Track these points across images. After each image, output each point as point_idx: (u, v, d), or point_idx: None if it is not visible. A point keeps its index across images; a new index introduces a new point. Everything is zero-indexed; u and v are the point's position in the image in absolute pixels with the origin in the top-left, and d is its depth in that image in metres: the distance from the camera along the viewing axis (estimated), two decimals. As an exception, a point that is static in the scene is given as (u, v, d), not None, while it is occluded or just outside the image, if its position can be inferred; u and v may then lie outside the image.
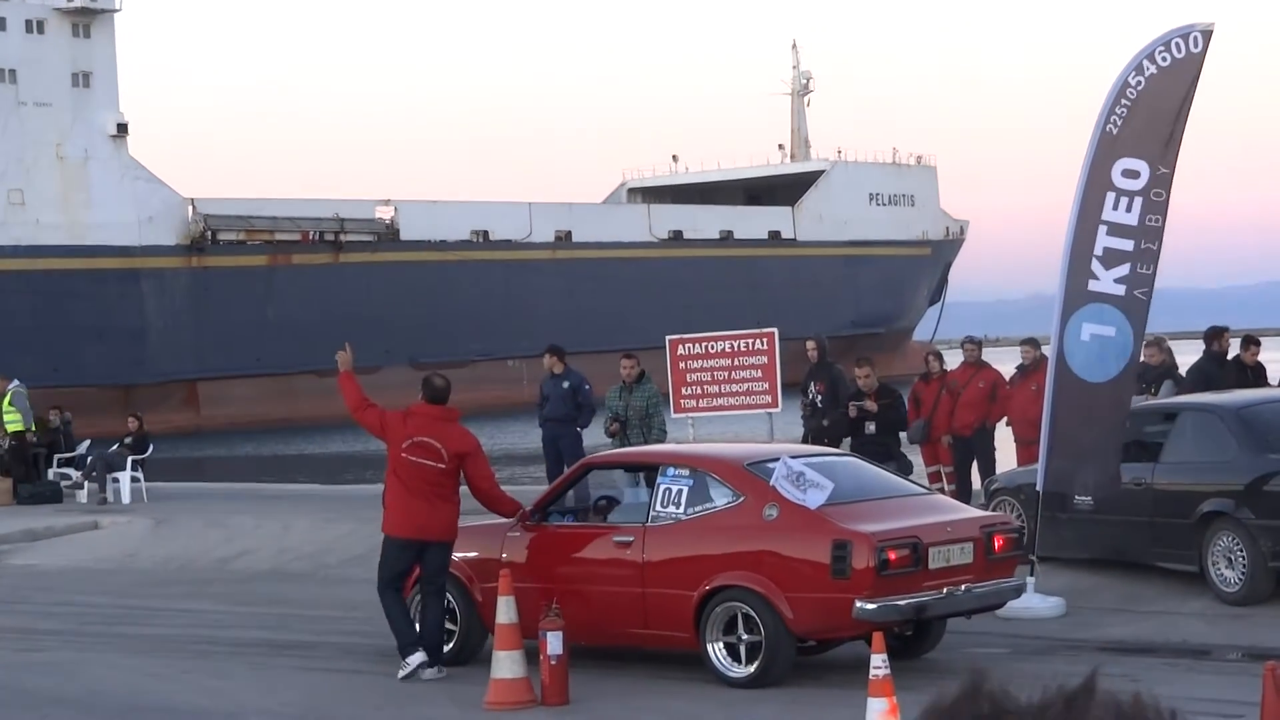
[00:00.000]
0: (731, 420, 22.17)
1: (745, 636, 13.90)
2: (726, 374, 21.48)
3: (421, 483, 14.74)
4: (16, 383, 33.22)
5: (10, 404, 32.80)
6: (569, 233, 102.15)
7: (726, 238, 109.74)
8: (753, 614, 13.83)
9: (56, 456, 34.36)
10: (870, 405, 20.54)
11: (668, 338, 22.61)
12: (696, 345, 21.94)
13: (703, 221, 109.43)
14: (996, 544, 14.42)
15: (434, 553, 14.84)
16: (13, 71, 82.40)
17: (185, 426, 78.55)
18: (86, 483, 32.59)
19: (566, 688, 13.49)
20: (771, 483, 13.97)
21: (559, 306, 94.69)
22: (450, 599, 15.34)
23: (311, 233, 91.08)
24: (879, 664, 11.44)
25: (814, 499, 13.83)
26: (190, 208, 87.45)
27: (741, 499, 14.20)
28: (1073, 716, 1.51)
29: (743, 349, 21.52)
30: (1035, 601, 17.09)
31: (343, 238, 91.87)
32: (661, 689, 14.18)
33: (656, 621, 14.37)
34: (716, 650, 13.98)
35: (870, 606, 13.43)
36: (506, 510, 15.38)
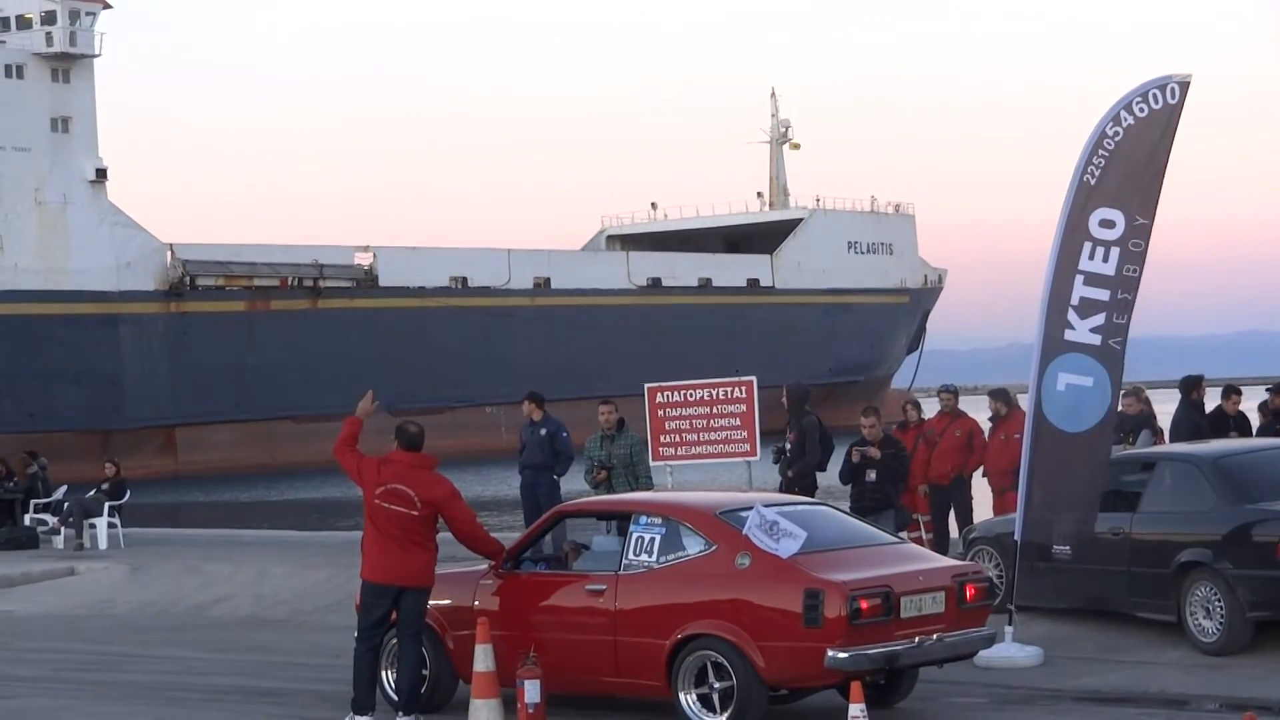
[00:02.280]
0: (710, 468, 22.13)
1: (717, 685, 13.85)
2: (705, 422, 21.47)
3: (396, 529, 14.69)
4: None
5: None
6: (548, 279, 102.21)
7: (705, 285, 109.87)
8: (724, 662, 13.81)
9: (33, 502, 34.23)
10: (874, 453, 20.53)
11: (646, 386, 22.60)
12: (675, 393, 21.94)
13: (681, 269, 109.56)
14: (968, 593, 14.45)
15: (410, 599, 14.78)
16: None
17: (163, 472, 78.36)
18: (63, 528, 32.47)
19: (548, 735, 13.45)
20: (745, 531, 13.99)
21: (538, 353, 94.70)
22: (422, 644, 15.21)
23: (290, 278, 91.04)
24: (857, 713, 11.45)
25: (787, 548, 13.82)
26: (169, 253, 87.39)
27: (714, 547, 14.20)
28: None
29: (721, 397, 21.52)
30: (1013, 651, 17.08)
31: (321, 283, 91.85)
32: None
33: (629, 670, 14.34)
34: (689, 700, 13.94)
35: (842, 655, 13.48)
36: (491, 550, 15.30)
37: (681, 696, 13.98)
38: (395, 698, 14.86)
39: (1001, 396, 23.02)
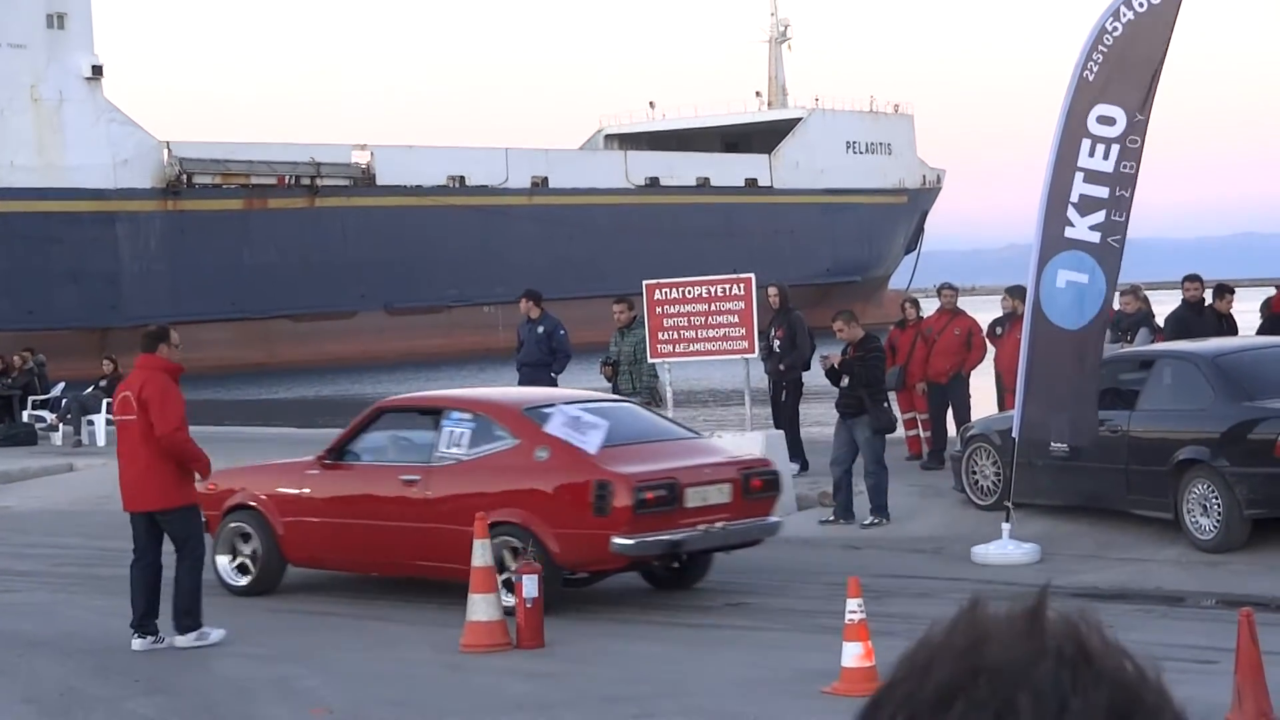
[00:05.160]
0: (708, 365, 22.13)
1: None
2: (704, 319, 21.41)
3: (122, 443, 14.44)
4: None
5: None
6: (545, 178, 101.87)
7: (703, 185, 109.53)
8: (528, 548, 14.65)
9: (31, 399, 34.27)
10: (831, 360, 20.42)
11: (644, 282, 22.54)
12: (674, 290, 21.86)
13: (680, 168, 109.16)
14: (754, 484, 15.54)
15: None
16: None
17: (160, 370, 78.18)
18: (61, 425, 32.53)
19: (542, 630, 13.50)
20: (553, 431, 14.99)
21: (535, 252, 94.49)
22: (251, 530, 16.52)
23: (287, 177, 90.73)
24: (854, 608, 11.48)
25: (594, 440, 14.76)
26: (166, 151, 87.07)
27: (517, 442, 15.19)
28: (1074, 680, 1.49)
29: (720, 294, 21.45)
30: (1010, 548, 17.15)
31: (319, 182, 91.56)
32: (633, 633, 14.23)
33: (439, 554, 15.19)
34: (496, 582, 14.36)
35: (628, 542, 14.58)
36: (198, 464, 14.57)
37: None
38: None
39: (1019, 294, 23.00)
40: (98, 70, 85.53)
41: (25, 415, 33.79)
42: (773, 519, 16.01)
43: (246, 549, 16.67)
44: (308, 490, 16.35)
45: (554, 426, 15.02)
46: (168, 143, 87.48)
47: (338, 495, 16.14)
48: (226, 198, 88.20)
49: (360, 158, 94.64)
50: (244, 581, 16.58)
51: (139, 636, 13.96)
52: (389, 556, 15.79)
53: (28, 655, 13.98)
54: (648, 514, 14.69)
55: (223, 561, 16.66)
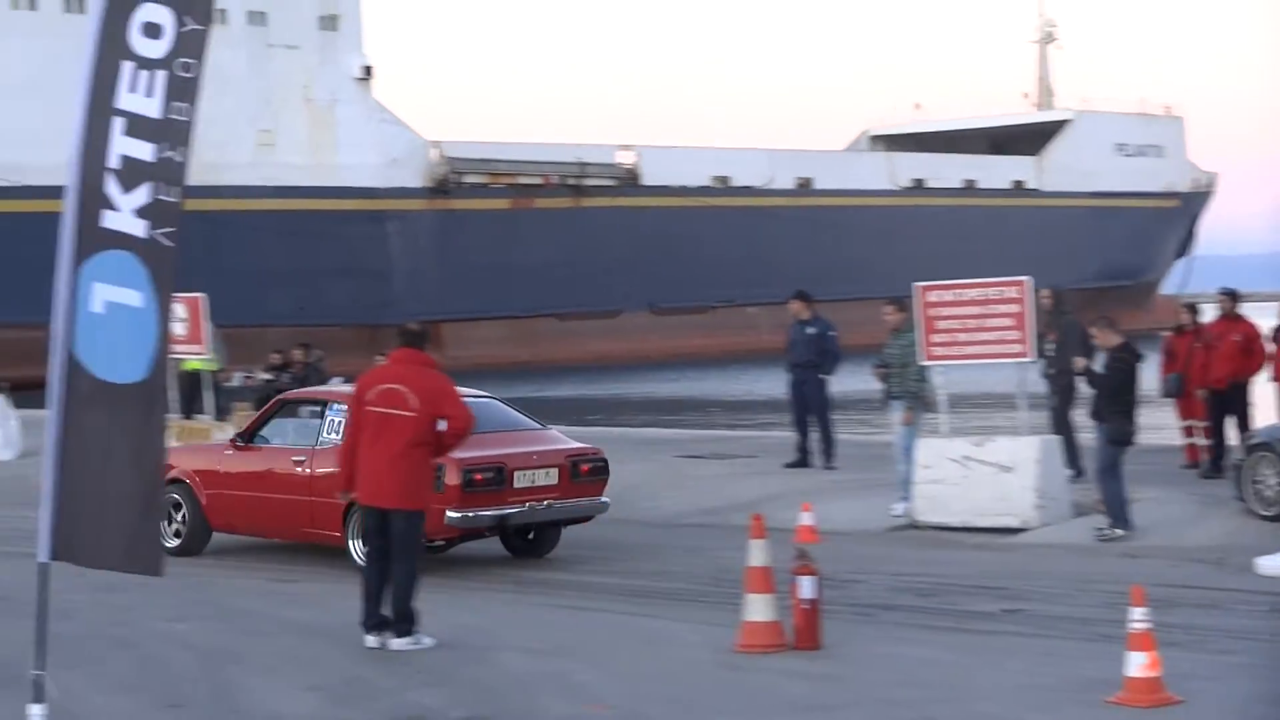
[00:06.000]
0: (982, 369, 21.85)
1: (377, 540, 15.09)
2: (978, 322, 21.15)
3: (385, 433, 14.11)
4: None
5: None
6: (810, 180, 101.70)
7: (969, 187, 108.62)
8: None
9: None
10: (1079, 364, 20.28)
11: (916, 285, 22.32)
12: (947, 293, 21.62)
13: (945, 170, 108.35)
14: (582, 469, 18.37)
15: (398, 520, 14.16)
16: (263, 14, 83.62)
17: (428, 366, 79.12)
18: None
19: (818, 632, 13.44)
20: None
21: (799, 254, 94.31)
22: (181, 500, 19.52)
23: (553, 177, 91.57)
24: (1139, 617, 11.28)
25: None
26: (434, 150, 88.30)
27: None
28: None
29: (994, 297, 21.17)
30: (1295, 560, 16.73)
31: (584, 182, 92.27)
32: (910, 636, 14.10)
33: (319, 523, 18.05)
34: (355, 546, 17.30)
35: (457, 515, 17.49)
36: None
37: (350, 544, 17.64)
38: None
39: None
40: (368, 71, 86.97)
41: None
42: (602, 499, 18.69)
43: (178, 516, 19.56)
44: (223, 468, 19.27)
45: None
46: (437, 142, 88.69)
47: (246, 471, 19.01)
48: (494, 197, 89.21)
49: (625, 158, 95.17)
50: (174, 544, 19.31)
51: (398, 636, 13.86)
52: (284, 524, 18.69)
53: (310, 643, 14.23)
54: (476, 492, 17.56)
55: None
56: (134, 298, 9.64)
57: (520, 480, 17.99)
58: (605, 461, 18.81)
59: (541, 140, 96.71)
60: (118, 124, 9.72)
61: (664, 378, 72.81)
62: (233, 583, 17.67)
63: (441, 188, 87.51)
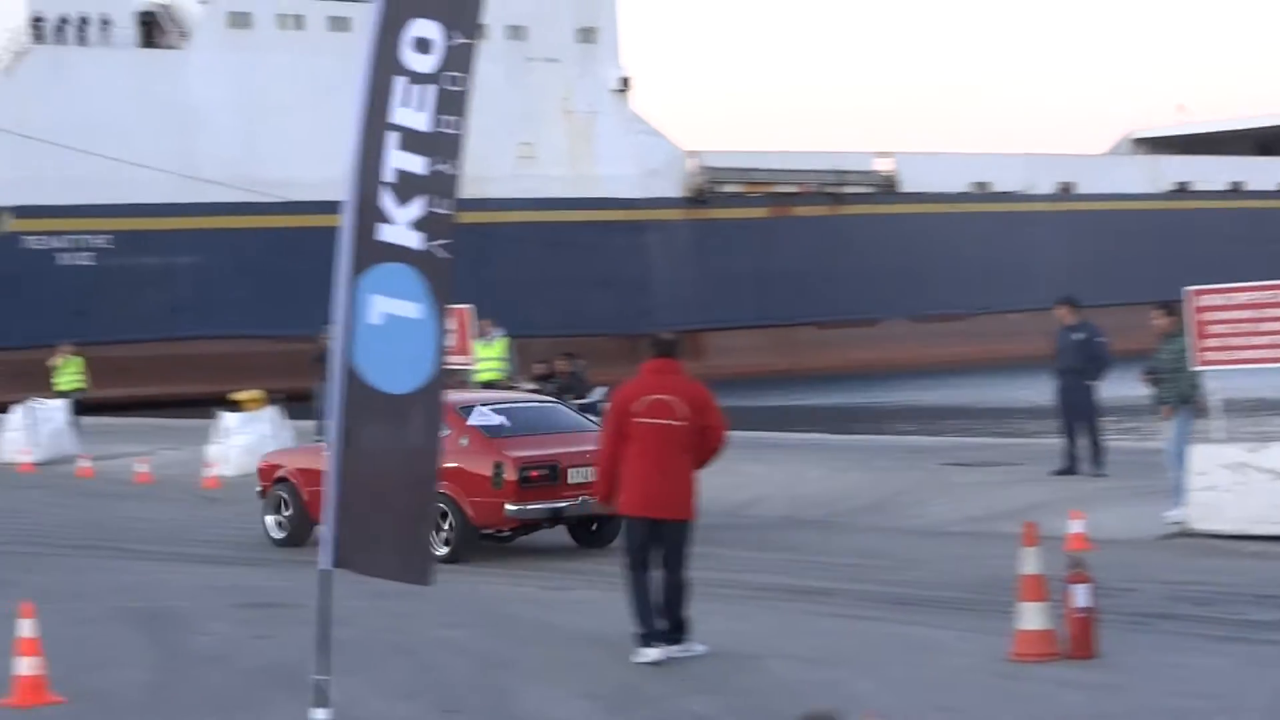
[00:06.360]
0: (1255, 374, 21.41)
1: (444, 527, 19.85)
2: (1251, 326, 20.71)
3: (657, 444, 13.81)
4: (502, 331, 33.49)
5: (494, 351, 33.01)
6: (1071, 184, 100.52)
7: (1235, 189, 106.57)
8: (448, 511, 19.80)
9: (573, 401, 35.11)
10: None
11: (1186, 289, 21.94)
12: (1218, 297, 21.22)
13: (1210, 173, 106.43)
14: None
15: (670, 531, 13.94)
16: (523, 28, 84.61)
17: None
18: (601, 428, 33.07)
19: (1093, 641, 13.25)
20: (473, 423, 20.39)
21: (1060, 259, 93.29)
22: (287, 497, 21.82)
23: (811, 185, 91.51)
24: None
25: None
26: (691, 160, 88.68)
27: (449, 431, 19.18)
28: None
29: (1268, 300, 20.72)
30: None
31: (842, 190, 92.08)
32: (1188, 645, 13.87)
33: None
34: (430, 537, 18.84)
35: (515, 508, 19.73)
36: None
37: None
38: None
39: None
40: (625, 82, 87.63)
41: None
42: None
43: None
44: (323, 466, 20.04)
45: (474, 420, 20.43)
46: (695, 152, 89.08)
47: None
48: (751, 206, 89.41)
49: (883, 165, 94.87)
50: (281, 535, 21.80)
51: (670, 644, 13.69)
52: None
53: (579, 650, 14.32)
54: (533, 488, 19.72)
55: (269, 520, 22.18)
56: (412, 309, 9.88)
57: (574, 476, 19.86)
58: None
59: (798, 148, 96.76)
60: (392, 138, 10.01)
61: (924, 385, 72.32)
62: (501, 590, 17.88)
63: (699, 197, 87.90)
